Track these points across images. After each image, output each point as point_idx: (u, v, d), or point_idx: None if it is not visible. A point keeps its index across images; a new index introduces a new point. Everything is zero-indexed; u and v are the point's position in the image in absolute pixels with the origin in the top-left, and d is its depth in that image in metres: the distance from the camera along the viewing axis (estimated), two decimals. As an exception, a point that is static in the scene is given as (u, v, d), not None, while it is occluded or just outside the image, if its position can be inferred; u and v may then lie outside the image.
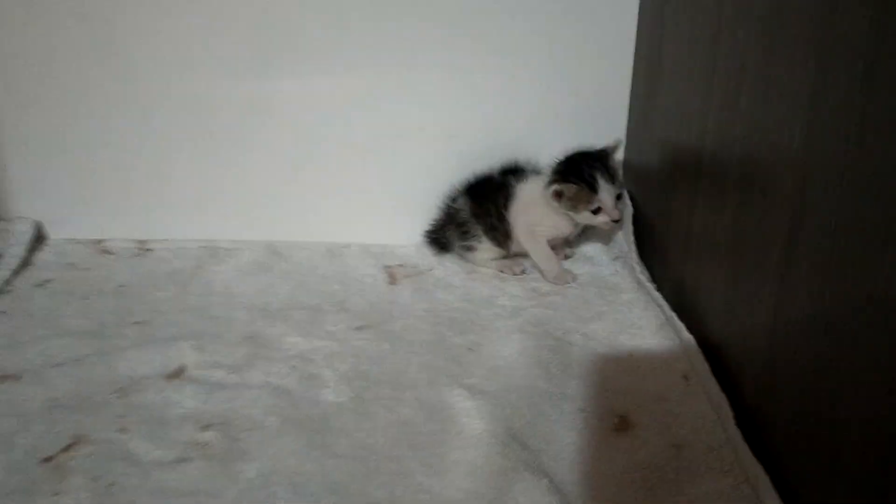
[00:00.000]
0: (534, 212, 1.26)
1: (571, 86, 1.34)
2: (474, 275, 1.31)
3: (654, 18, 1.20)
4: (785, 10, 0.76)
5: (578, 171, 1.21)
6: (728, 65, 0.90)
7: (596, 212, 1.21)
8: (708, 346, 0.97)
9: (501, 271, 1.30)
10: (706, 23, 0.97)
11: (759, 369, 0.82)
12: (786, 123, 0.75)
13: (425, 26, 1.30)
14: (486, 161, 1.33)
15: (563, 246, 1.34)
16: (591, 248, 1.36)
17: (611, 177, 1.20)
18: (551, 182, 1.22)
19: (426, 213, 1.37)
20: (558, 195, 1.20)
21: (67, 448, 0.85)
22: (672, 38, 1.12)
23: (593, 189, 1.20)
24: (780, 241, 0.76)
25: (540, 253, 1.27)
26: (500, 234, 1.29)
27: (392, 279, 1.29)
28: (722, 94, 0.92)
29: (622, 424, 0.90)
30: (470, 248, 1.31)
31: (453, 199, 1.33)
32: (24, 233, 1.34)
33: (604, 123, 1.33)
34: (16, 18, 1.27)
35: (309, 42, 1.30)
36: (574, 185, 1.20)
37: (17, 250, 1.30)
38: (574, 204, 1.21)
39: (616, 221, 1.21)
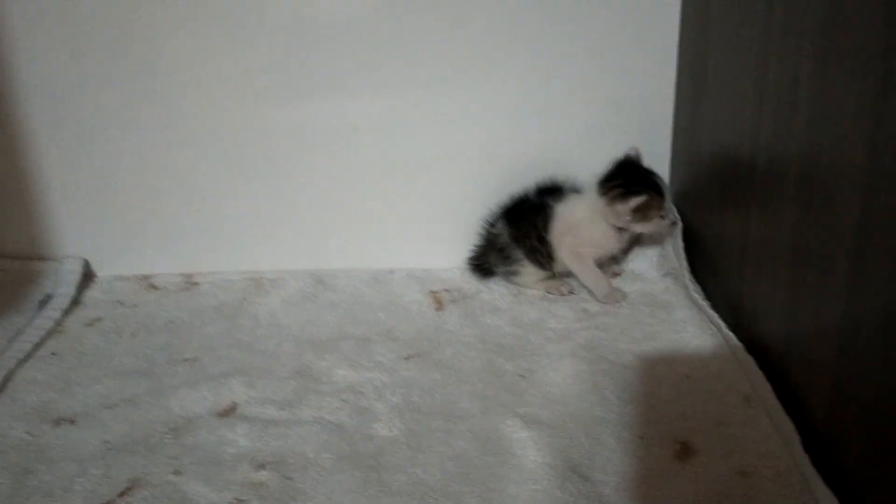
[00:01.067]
0: (579, 232, 1.24)
1: (614, 100, 1.31)
2: (521, 297, 1.29)
3: (698, 29, 1.18)
4: (841, 19, 0.73)
5: (641, 181, 1.21)
6: (780, 77, 0.88)
7: (663, 217, 1.21)
8: (769, 366, 0.94)
9: (549, 292, 1.28)
10: (754, 33, 0.95)
11: (827, 390, 0.79)
12: (847, 138, 0.72)
13: (462, 46, 1.28)
14: (529, 180, 1.31)
15: (611, 264, 1.31)
16: (640, 265, 1.33)
17: (659, 177, 1.22)
18: (619, 197, 1.20)
19: (469, 235, 1.36)
20: (638, 210, 1.19)
21: (124, 492, 0.85)
22: (717, 50, 1.10)
23: (661, 195, 1.20)
24: (847, 256, 0.73)
25: (588, 273, 1.25)
26: (542, 256, 1.27)
27: (438, 305, 1.27)
28: (774, 106, 0.89)
29: (684, 451, 0.88)
30: (513, 273, 1.30)
31: (492, 224, 1.32)
32: (73, 272, 1.35)
33: (648, 137, 1.30)
34: (60, 59, 1.28)
35: (347, 67, 1.30)
36: (644, 197, 1.19)
37: (66, 290, 1.32)
38: (645, 213, 1.20)
39: (674, 223, 1.24)
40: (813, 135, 0.80)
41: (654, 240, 1.32)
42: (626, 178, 1.21)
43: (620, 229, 1.24)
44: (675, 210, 1.27)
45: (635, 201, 1.18)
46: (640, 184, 1.20)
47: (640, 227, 1.22)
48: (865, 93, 0.68)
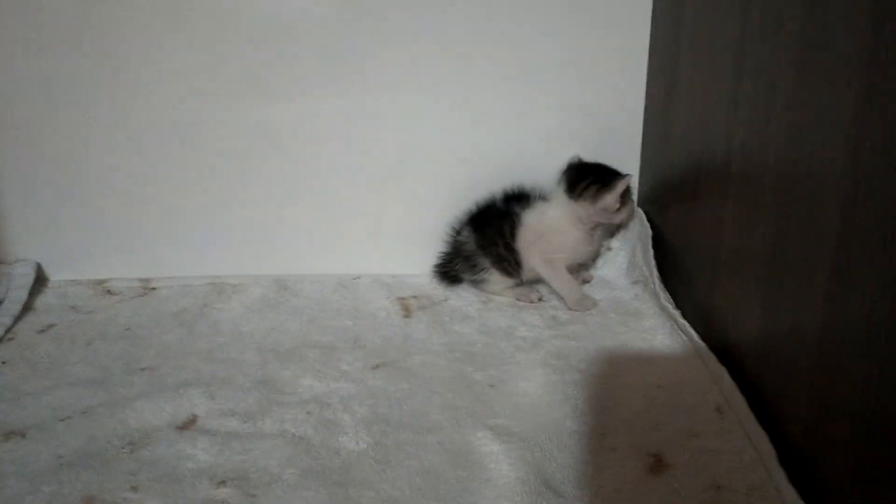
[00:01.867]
0: (550, 239, 1.23)
1: (583, 107, 1.30)
2: (490, 304, 1.27)
3: (669, 36, 1.17)
4: (822, 26, 0.72)
5: (606, 174, 1.22)
6: (756, 84, 0.87)
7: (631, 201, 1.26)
8: (743, 377, 0.93)
9: (518, 300, 1.27)
10: (729, 39, 0.94)
11: (804, 403, 0.78)
12: (827, 147, 0.71)
13: (432, 51, 1.26)
14: (497, 186, 1.29)
15: (580, 271, 1.30)
16: (609, 272, 1.33)
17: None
18: (604, 190, 1.21)
19: (437, 240, 1.34)
20: (623, 200, 1.22)
21: (78, 511, 0.81)
22: (690, 56, 1.09)
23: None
24: (826, 266, 0.72)
25: (560, 280, 1.24)
26: (509, 264, 1.25)
27: (406, 312, 1.25)
28: (750, 113, 0.89)
29: (657, 464, 0.86)
30: (481, 280, 1.28)
31: (458, 231, 1.30)
32: (25, 276, 1.30)
33: (617, 144, 1.30)
34: (13, 57, 1.23)
35: (313, 68, 1.27)
36: (624, 177, 1.21)
37: (18, 295, 1.26)
38: (623, 200, 1.23)
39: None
40: (791, 143, 0.79)
41: (620, 229, 1.33)
42: (595, 175, 1.22)
43: (593, 230, 1.24)
44: (647, 228, 1.27)
45: (622, 184, 1.20)
46: (608, 175, 1.22)
47: (619, 217, 1.24)
48: (847, 101, 0.67)
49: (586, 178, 1.22)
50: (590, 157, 1.27)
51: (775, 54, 0.82)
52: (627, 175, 1.22)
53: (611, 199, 1.20)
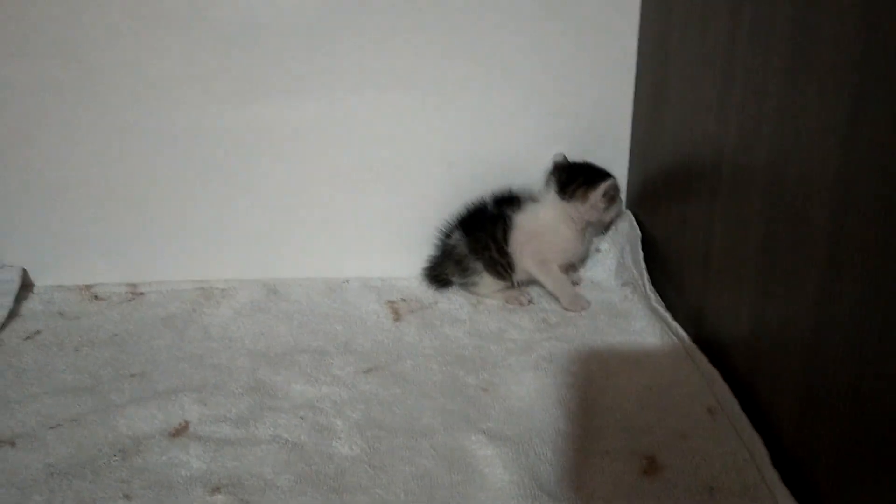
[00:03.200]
0: (543, 239, 1.24)
1: (571, 109, 1.30)
2: (480, 307, 1.27)
3: (658, 40, 1.18)
4: (812, 30, 0.73)
5: (595, 173, 1.25)
6: (746, 88, 0.87)
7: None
8: (734, 378, 0.94)
9: (508, 303, 1.27)
10: (719, 44, 0.94)
11: (796, 404, 0.79)
12: (817, 150, 0.72)
13: (421, 51, 1.26)
14: (486, 189, 1.29)
15: (569, 272, 1.30)
16: (598, 274, 1.33)
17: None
18: (591, 189, 1.23)
19: (425, 243, 1.33)
20: (608, 194, 1.24)
21: (70, 521, 0.80)
22: (678, 60, 1.09)
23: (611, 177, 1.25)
24: (817, 269, 0.73)
25: (554, 280, 1.24)
26: (502, 267, 1.25)
27: (396, 315, 1.25)
28: (740, 117, 0.89)
29: (650, 466, 0.87)
30: (472, 283, 1.28)
31: (447, 235, 1.30)
32: (10, 281, 1.29)
33: (606, 145, 1.31)
34: (0, 63, 1.22)
35: (300, 71, 1.26)
36: (612, 178, 1.24)
37: (3, 301, 1.25)
38: (612, 197, 1.25)
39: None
40: (781, 146, 0.79)
41: (609, 228, 1.35)
42: (584, 176, 1.24)
43: (583, 229, 1.26)
44: (636, 230, 1.28)
45: (608, 183, 1.23)
46: (596, 175, 1.24)
47: (609, 215, 1.27)
48: (838, 105, 0.68)
49: (576, 179, 1.24)
50: (578, 159, 1.27)
51: (765, 58, 0.82)
52: (612, 178, 1.24)
53: (598, 197, 1.23)
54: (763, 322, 0.86)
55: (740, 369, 0.93)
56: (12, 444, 0.93)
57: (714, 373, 0.96)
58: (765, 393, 0.87)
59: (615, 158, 1.31)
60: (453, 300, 1.29)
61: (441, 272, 1.30)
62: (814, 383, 0.75)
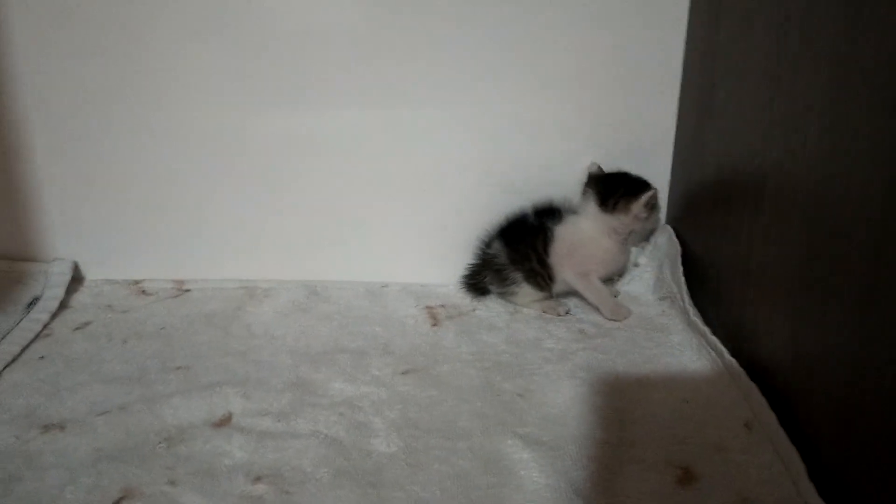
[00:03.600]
0: (584, 251, 1.25)
1: (614, 121, 1.31)
2: (517, 315, 1.28)
3: (704, 54, 1.19)
4: (859, 49, 0.74)
5: (633, 183, 1.25)
6: (791, 105, 0.88)
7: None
8: (772, 393, 0.94)
9: (545, 312, 1.28)
10: (765, 61, 0.95)
11: (835, 421, 0.79)
12: (863, 170, 0.72)
13: (463, 61, 1.28)
14: (526, 199, 1.31)
15: (608, 285, 1.31)
16: (635, 288, 1.33)
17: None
18: (621, 203, 1.24)
19: (464, 251, 1.35)
20: (653, 207, 1.25)
21: (117, 502, 0.83)
22: (724, 75, 1.10)
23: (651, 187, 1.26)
24: (859, 287, 0.73)
25: (594, 292, 1.26)
26: (542, 278, 1.26)
27: (434, 320, 1.26)
28: (784, 134, 0.90)
29: (685, 476, 0.87)
30: (510, 293, 1.29)
31: (487, 245, 1.31)
32: (62, 274, 1.33)
33: (647, 159, 1.31)
34: (50, 61, 1.27)
35: (346, 78, 1.29)
36: (654, 190, 1.25)
37: (55, 292, 1.29)
38: (652, 206, 1.26)
39: None
40: (826, 164, 0.80)
41: (649, 237, 1.36)
42: (625, 187, 1.25)
43: (625, 239, 1.27)
44: (676, 245, 1.28)
45: (650, 194, 1.24)
46: (635, 185, 1.25)
47: (650, 223, 1.28)
48: (884, 124, 0.69)
49: (617, 191, 1.25)
50: (615, 168, 1.29)
51: (812, 75, 0.83)
52: (652, 187, 1.25)
53: (640, 207, 1.24)
54: (804, 338, 0.87)
55: (779, 384, 0.93)
56: (62, 428, 0.96)
57: (752, 387, 0.97)
58: (803, 408, 0.87)
59: (657, 172, 1.31)
60: (491, 308, 1.31)
61: (480, 281, 1.32)
62: (854, 399, 0.75)
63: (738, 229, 1.05)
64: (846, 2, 0.77)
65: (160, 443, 0.93)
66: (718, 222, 1.14)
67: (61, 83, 1.28)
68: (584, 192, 1.28)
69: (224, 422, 0.98)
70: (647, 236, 1.35)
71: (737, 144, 1.06)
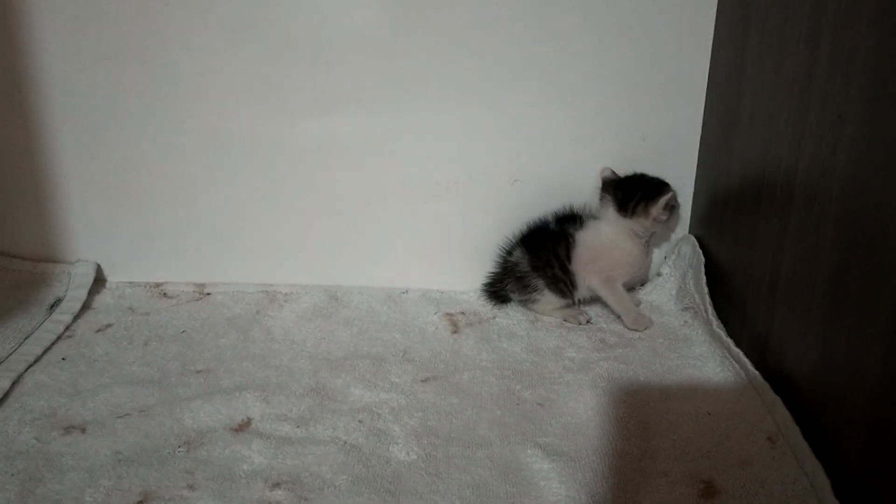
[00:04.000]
0: (608, 256, 1.24)
1: (638, 130, 1.31)
2: (538, 324, 1.27)
3: (731, 62, 1.17)
4: (893, 61, 0.73)
5: (649, 185, 1.25)
6: (823, 115, 0.87)
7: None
8: (797, 407, 0.92)
9: (566, 320, 1.27)
10: (797, 70, 0.94)
11: (862, 436, 0.78)
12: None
13: (490, 67, 1.28)
14: (549, 207, 1.30)
15: (631, 293, 1.30)
16: (657, 297, 1.32)
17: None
18: (640, 206, 1.23)
19: (484, 258, 1.34)
20: (669, 207, 1.25)
21: (137, 506, 0.83)
22: (752, 84, 1.09)
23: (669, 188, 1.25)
24: (891, 300, 0.72)
25: (618, 299, 1.25)
26: (565, 285, 1.26)
27: (454, 327, 1.26)
28: (815, 143, 0.89)
29: (708, 490, 0.86)
30: (532, 300, 1.28)
31: (509, 252, 1.31)
32: (85, 276, 1.34)
33: (672, 168, 1.29)
34: (77, 63, 1.27)
35: (367, 84, 1.29)
36: (672, 192, 1.25)
37: (77, 293, 1.30)
38: (671, 207, 1.26)
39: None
40: (858, 174, 0.79)
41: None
42: (642, 191, 1.24)
43: (647, 243, 1.28)
44: (700, 255, 1.27)
45: (668, 196, 1.23)
46: (653, 188, 1.25)
47: (671, 222, 1.30)
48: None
49: (635, 195, 1.24)
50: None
51: (844, 86, 0.82)
52: (669, 188, 1.25)
53: (659, 210, 1.24)
54: (831, 351, 0.85)
55: (804, 398, 0.92)
56: (83, 430, 0.96)
57: (776, 400, 0.95)
58: (830, 423, 0.85)
59: (681, 180, 1.30)
60: (511, 316, 1.30)
61: (501, 289, 1.31)
62: (885, 414, 0.74)
63: (766, 239, 1.04)
64: (880, 10, 0.76)
65: (179, 447, 0.93)
66: (744, 232, 1.12)
67: (90, 86, 1.29)
68: (602, 198, 1.28)
69: (243, 426, 0.98)
70: (668, 237, 1.36)
71: (765, 153, 1.04)
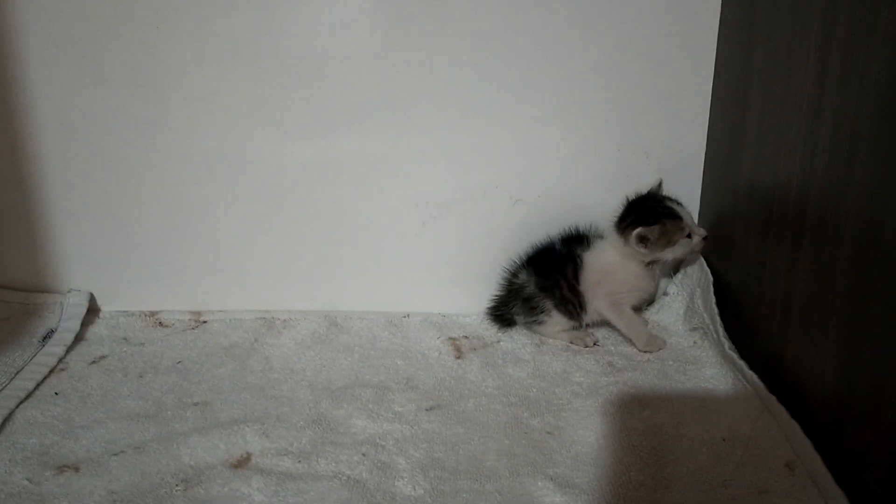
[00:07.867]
0: (613, 278, 1.21)
1: (642, 147, 1.28)
2: (543, 347, 1.24)
3: (736, 81, 1.15)
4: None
5: (649, 212, 1.19)
6: (836, 131, 0.84)
7: (689, 237, 1.19)
8: (816, 431, 0.89)
9: (572, 343, 1.24)
10: (807, 85, 0.92)
11: (887, 461, 0.75)
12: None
13: (490, 86, 1.25)
14: (553, 228, 1.28)
15: (637, 313, 1.27)
16: (665, 318, 1.30)
17: (676, 202, 1.21)
18: (626, 231, 1.19)
19: (488, 280, 1.31)
20: (643, 239, 1.17)
21: (132, 550, 0.80)
22: (759, 100, 1.07)
23: (676, 216, 1.18)
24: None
25: (627, 321, 1.22)
26: (574, 306, 1.23)
27: (458, 353, 1.23)
28: (828, 161, 0.86)
29: (727, 522, 0.83)
30: (539, 322, 1.25)
31: (514, 274, 1.28)
32: (77, 306, 1.31)
33: (678, 185, 1.27)
34: (72, 87, 1.25)
35: (364, 105, 1.26)
36: (656, 226, 1.17)
37: (71, 325, 1.27)
38: (667, 240, 1.18)
39: (706, 238, 1.21)
40: (875, 192, 0.76)
41: (675, 270, 1.32)
42: (638, 214, 1.20)
43: (650, 265, 1.22)
44: (708, 274, 1.23)
45: (636, 233, 1.17)
46: (650, 214, 1.19)
47: (669, 254, 1.20)
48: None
49: (629, 217, 1.21)
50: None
51: (858, 101, 0.80)
52: (659, 224, 1.18)
53: (633, 241, 1.18)
54: (851, 374, 0.82)
55: (823, 423, 0.89)
56: (76, 469, 0.93)
57: (794, 425, 0.92)
58: (851, 449, 0.82)
59: (686, 199, 1.27)
60: (516, 339, 1.27)
61: (506, 311, 1.28)
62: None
63: (777, 259, 1.01)
64: (892, 22, 0.73)
65: (177, 485, 0.90)
66: (753, 252, 1.10)
67: (81, 112, 1.26)
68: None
69: (243, 462, 0.94)
70: (677, 268, 1.31)
71: (774, 172, 1.02)
